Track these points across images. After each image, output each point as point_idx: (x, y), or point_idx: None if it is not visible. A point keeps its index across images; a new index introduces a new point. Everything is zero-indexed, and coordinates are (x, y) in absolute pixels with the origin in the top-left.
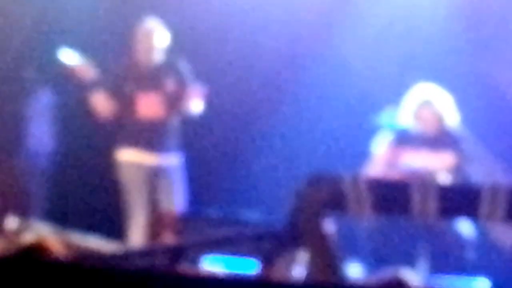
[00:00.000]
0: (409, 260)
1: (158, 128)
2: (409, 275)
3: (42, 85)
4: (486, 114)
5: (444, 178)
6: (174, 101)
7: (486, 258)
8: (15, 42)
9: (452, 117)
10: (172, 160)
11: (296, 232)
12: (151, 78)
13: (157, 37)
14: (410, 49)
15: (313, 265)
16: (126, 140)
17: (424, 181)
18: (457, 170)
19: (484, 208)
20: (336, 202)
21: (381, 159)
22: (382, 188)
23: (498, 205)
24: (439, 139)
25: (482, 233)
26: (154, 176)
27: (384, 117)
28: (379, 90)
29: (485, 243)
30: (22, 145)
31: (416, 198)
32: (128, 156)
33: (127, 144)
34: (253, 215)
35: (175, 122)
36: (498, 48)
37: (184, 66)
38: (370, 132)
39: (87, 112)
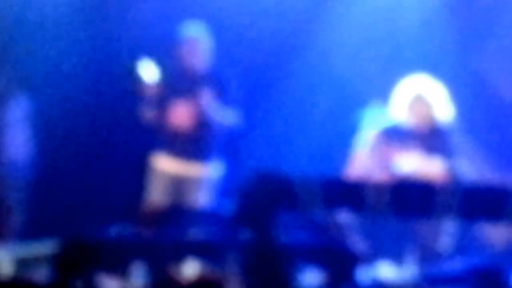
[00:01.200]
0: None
1: (188, 137)
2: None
3: (20, 93)
4: (477, 108)
5: (435, 179)
6: (204, 113)
7: (474, 256)
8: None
9: (444, 111)
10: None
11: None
12: (189, 87)
13: (201, 45)
14: (397, 43)
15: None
16: (159, 147)
17: (415, 182)
18: (448, 168)
19: (474, 206)
20: (285, 199)
21: (368, 155)
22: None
23: (488, 203)
24: (431, 135)
25: (468, 231)
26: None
27: (371, 112)
28: (366, 84)
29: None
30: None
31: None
32: (158, 163)
33: (159, 150)
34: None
35: (207, 132)
36: (488, 42)
37: (227, 77)
38: (354, 128)
39: (66, 119)
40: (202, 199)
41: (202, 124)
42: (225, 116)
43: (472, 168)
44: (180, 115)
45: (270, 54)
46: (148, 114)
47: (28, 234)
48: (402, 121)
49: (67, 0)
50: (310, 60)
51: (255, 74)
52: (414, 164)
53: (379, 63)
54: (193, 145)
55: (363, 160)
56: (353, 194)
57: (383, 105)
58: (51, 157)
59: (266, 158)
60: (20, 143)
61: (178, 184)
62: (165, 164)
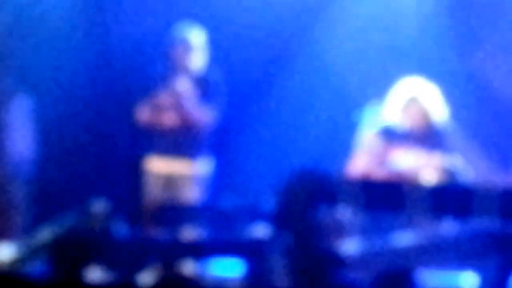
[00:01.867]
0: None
1: (177, 137)
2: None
3: (22, 93)
4: (472, 109)
5: (432, 178)
6: (190, 113)
7: (473, 253)
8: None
9: (439, 112)
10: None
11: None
12: (178, 90)
13: (193, 45)
14: (395, 43)
15: (300, 259)
16: (152, 149)
17: (412, 181)
18: (444, 168)
19: (472, 206)
20: (324, 197)
21: (367, 155)
22: (371, 186)
23: (486, 202)
24: (426, 136)
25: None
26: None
27: (369, 112)
28: (363, 84)
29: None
30: (2, 152)
31: (404, 197)
32: (151, 165)
33: (152, 152)
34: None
35: (194, 131)
36: (485, 42)
37: (214, 77)
38: (353, 127)
39: (68, 119)
40: (193, 195)
41: (189, 124)
42: (209, 114)
43: (468, 167)
44: (170, 116)
45: (269, 56)
46: (144, 115)
47: (29, 230)
48: (397, 123)
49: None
50: (309, 61)
51: (251, 75)
52: (412, 160)
53: (378, 64)
54: (182, 144)
55: (362, 159)
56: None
57: (381, 105)
58: (52, 156)
59: (267, 157)
60: (22, 142)
61: (170, 183)
62: (157, 165)
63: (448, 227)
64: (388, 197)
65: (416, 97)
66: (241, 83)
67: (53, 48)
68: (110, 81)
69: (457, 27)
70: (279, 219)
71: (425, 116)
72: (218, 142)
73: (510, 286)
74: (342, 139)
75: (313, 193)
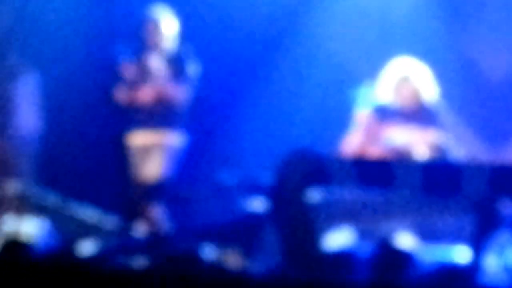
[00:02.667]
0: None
1: (153, 112)
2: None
3: (29, 68)
4: (463, 87)
5: (425, 154)
6: (164, 92)
7: (465, 228)
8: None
9: (430, 91)
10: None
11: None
12: (154, 63)
13: (164, 26)
14: (387, 23)
15: (294, 237)
16: (132, 125)
17: (405, 156)
18: (436, 145)
19: (461, 182)
20: (318, 176)
21: (361, 133)
22: (364, 164)
23: (475, 179)
24: (418, 114)
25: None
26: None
27: (362, 92)
28: (358, 64)
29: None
30: (9, 127)
31: (396, 173)
32: (132, 138)
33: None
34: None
35: (168, 107)
36: (475, 21)
37: (185, 57)
38: (348, 106)
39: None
40: (165, 166)
41: (162, 100)
42: (181, 91)
43: (458, 144)
44: (144, 92)
45: (265, 36)
46: (122, 93)
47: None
48: (390, 102)
49: None
50: (304, 42)
51: (249, 54)
52: (405, 137)
53: (372, 44)
54: (158, 118)
55: (357, 137)
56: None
57: (374, 84)
58: (58, 131)
59: (264, 136)
60: (29, 117)
61: (148, 155)
62: (136, 139)
63: (439, 203)
64: (379, 174)
65: (408, 76)
66: (239, 62)
67: (58, 26)
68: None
69: (447, 7)
70: (274, 199)
71: (416, 95)
72: (217, 119)
73: (499, 259)
74: (337, 118)
75: (307, 173)
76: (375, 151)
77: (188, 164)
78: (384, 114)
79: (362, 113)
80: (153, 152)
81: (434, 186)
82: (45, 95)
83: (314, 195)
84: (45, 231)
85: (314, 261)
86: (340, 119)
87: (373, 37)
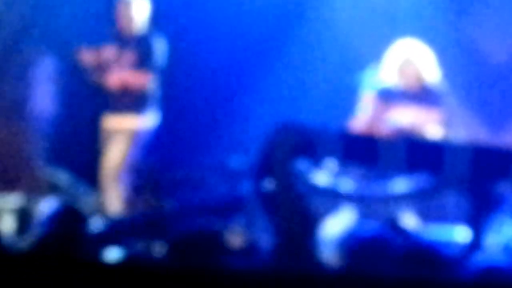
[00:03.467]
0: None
1: (125, 94)
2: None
3: (44, 52)
4: (466, 70)
5: (428, 134)
6: (128, 79)
7: (465, 208)
8: (16, 9)
9: (433, 73)
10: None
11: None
12: (121, 49)
13: (136, 8)
14: (393, 6)
15: (283, 209)
16: (103, 106)
17: (408, 136)
18: (438, 126)
19: (461, 163)
20: (305, 149)
21: (367, 114)
22: (351, 140)
23: (474, 161)
24: (421, 96)
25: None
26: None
27: (368, 74)
28: (363, 47)
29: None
30: (25, 109)
31: (384, 150)
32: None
33: (104, 109)
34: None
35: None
36: (479, 4)
37: (157, 42)
38: (354, 89)
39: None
40: (137, 149)
41: (130, 84)
42: (148, 76)
43: (459, 126)
44: (113, 75)
45: (273, 20)
46: (95, 77)
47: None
48: (393, 83)
49: None
50: (310, 25)
51: (255, 37)
52: (408, 117)
53: (377, 27)
54: (127, 102)
55: (363, 119)
56: (366, 148)
57: (379, 67)
58: (74, 113)
59: (272, 116)
60: (45, 99)
61: (117, 138)
62: (110, 122)
63: (438, 183)
64: (368, 150)
65: (411, 58)
66: (248, 45)
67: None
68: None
69: None
70: (261, 171)
71: (420, 76)
72: (223, 102)
73: (496, 239)
74: (343, 100)
75: (295, 145)
76: (380, 132)
77: (195, 148)
78: (389, 95)
79: (367, 95)
80: (119, 137)
81: (433, 165)
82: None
83: (306, 170)
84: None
85: (306, 243)
86: (347, 102)
87: (378, 19)
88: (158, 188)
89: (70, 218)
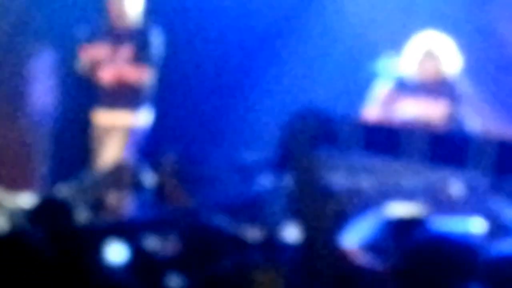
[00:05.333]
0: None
1: (120, 90)
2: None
3: (45, 46)
4: (487, 62)
5: (439, 125)
6: (124, 74)
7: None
8: (16, 3)
9: (453, 66)
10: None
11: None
12: (116, 43)
13: (128, 1)
14: None
15: (301, 198)
16: (97, 102)
17: (418, 127)
18: (454, 118)
19: (475, 155)
20: (326, 138)
21: (379, 104)
22: (374, 129)
23: (490, 154)
24: (437, 87)
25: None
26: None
27: (383, 64)
28: (379, 36)
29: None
30: (25, 104)
31: (407, 142)
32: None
33: (97, 105)
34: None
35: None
36: None
37: (153, 35)
38: (368, 77)
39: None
40: (132, 147)
41: (125, 79)
42: (145, 71)
43: (480, 120)
44: (107, 71)
45: (286, 8)
46: (85, 70)
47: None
48: (412, 75)
49: None
50: (327, 12)
51: (271, 31)
52: (417, 108)
53: (395, 16)
54: (121, 97)
55: (376, 108)
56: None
57: (397, 56)
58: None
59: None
60: (45, 93)
61: (111, 135)
62: (100, 118)
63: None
64: (389, 141)
65: (431, 51)
66: (263, 37)
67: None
68: None
69: None
70: (281, 162)
71: (440, 70)
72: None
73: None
74: (357, 89)
75: (315, 134)
76: (392, 123)
77: (209, 142)
78: (405, 87)
79: (383, 85)
80: (114, 134)
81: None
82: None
83: (323, 158)
84: None
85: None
86: (361, 91)
87: (394, 6)
88: (177, 183)
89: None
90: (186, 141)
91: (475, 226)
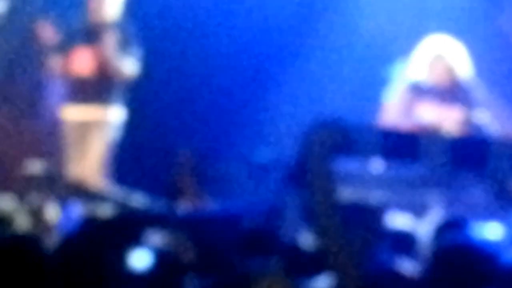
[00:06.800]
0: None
1: (91, 84)
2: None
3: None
4: (499, 66)
5: (455, 130)
6: (106, 60)
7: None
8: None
9: (464, 69)
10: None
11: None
12: (93, 35)
13: None
14: (423, 1)
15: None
16: (67, 96)
17: (435, 133)
18: (468, 122)
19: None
20: (344, 147)
21: (393, 109)
22: (392, 136)
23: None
24: (451, 92)
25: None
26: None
27: (397, 69)
28: (392, 41)
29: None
30: (41, 104)
31: (425, 148)
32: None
33: (67, 100)
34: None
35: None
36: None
37: (127, 29)
38: (382, 83)
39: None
40: (106, 142)
41: (104, 71)
42: (126, 65)
43: (493, 123)
44: (83, 62)
45: (300, 11)
46: (52, 62)
47: None
48: (423, 79)
49: None
50: (339, 18)
51: (286, 35)
52: (438, 114)
53: (407, 21)
54: (95, 91)
55: (392, 113)
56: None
57: (409, 61)
58: None
59: (298, 115)
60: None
61: (83, 130)
62: (71, 113)
63: (467, 180)
64: (408, 148)
65: (442, 54)
66: (279, 39)
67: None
68: None
69: None
70: (299, 171)
71: (450, 73)
72: (251, 95)
73: None
74: (371, 95)
75: (333, 143)
76: (407, 128)
77: (222, 141)
78: (418, 91)
79: (396, 90)
80: (91, 130)
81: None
82: None
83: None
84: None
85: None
86: (374, 96)
87: (408, 12)
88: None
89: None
90: (202, 139)
91: (494, 232)
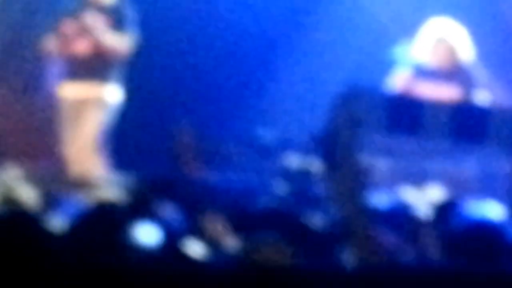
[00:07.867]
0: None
1: (87, 62)
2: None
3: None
4: (501, 49)
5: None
6: (99, 39)
7: (500, 183)
8: None
9: (466, 52)
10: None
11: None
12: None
13: None
14: None
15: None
16: (64, 75)
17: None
18: (470, 104)
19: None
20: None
21: (397, 92)
22: (395, 105)
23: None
24: (454, 74)
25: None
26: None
27: (399, 52)
28: (395, 24)
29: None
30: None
31: (428, 119)
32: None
33: (64, 78)
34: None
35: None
36: None
37: (126, 11)
38: (385, 65)
39: None
40: (102, 121)
41: (100, 51)
42: (121, 42)
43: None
44: (82, 42)
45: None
46: (50, 45)
47: None
48: (426, 62)
49: None
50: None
51: (289, 18)
52: (434, 96)
53: (410, 4)
54: (93, 70)
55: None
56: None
57: (412, 44)
58: None
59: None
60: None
61: (79, 108)
62: (68, 91)
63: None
64: (410, 119)
65: (444, 37)
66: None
67: None
68: None
69: None
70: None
71: (452, 56)
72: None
73: None
74: (374, 77)
75: (361, 114)
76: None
77: (225, 120)
78: (421, 74)
79: (399, 72)
80: (87, 107)
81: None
82: None
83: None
84: None
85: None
86: (378, 78)
87: None
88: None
89: None
90: (204, 116)
91: (494, 209)
